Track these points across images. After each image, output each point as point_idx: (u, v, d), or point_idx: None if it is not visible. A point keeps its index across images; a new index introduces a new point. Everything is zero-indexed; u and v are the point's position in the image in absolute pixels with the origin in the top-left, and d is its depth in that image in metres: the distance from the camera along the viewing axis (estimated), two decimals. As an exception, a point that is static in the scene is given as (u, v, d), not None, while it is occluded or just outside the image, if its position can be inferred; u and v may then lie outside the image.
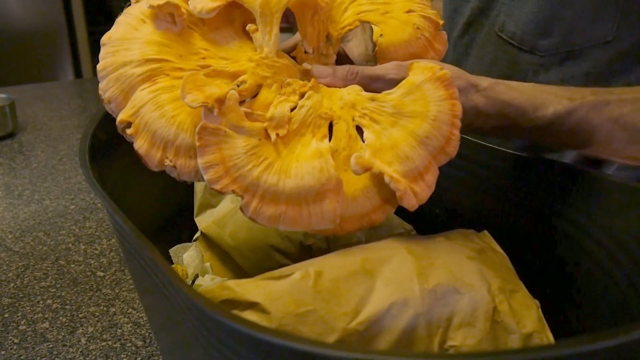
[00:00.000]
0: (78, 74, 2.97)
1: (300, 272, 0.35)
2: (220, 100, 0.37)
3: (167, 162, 0.39)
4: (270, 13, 0.42)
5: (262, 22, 0.42)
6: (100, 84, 0.42)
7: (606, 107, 0.47)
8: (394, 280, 0.36)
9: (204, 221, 0.61)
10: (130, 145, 0.42)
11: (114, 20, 0.45)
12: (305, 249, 0.50)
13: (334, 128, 0.41)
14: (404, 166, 0.39)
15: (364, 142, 0.40)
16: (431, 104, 0.40)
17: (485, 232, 0.46)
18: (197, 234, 0.63)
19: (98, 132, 0.51)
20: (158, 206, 0.63)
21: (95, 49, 3.04)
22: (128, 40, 0.41)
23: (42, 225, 0.90)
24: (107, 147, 0.54)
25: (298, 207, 0.37)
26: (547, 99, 0.46)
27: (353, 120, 0.41)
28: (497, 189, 0.53)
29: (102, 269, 0.78)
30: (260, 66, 0.41)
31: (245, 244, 0.54)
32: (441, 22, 0.48)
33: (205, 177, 0.36)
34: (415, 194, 0.39)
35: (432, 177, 0.40)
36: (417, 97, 0.40)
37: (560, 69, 0.65)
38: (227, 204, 0.61)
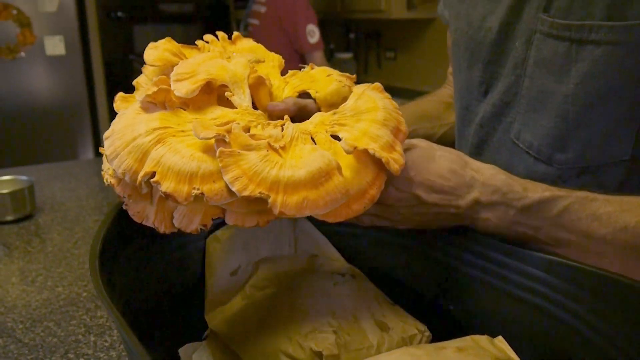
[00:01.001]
0: (98, 152, 3.04)
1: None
2: (228, 130, 0.45)
3: (195, 191, 0.44)
4: (239, 80, 0.55)
5: (236, 88, 0.54)
6: (111, 166, 0.48)
7: (592, 203, 0.51)
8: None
9: (214, 319, 0.60)
10: (141, 241, 0.51)
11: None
12: (317, 355, 0.49)
13: (316, 139, 0.50)
14: (379, 142, 0.49)
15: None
16: (377, 100, 0.53)
17: (501, 337, 0.45)
18: (207, 332, 0.62)
19: (109, 234, 0.51)
20: (167, 302, 0.63)
21: (115, 125, 3.13)
22: (131, 125, 0.48)
23: (54, 314, 0.89)
24: (118, 246, 0.54)
25: (315, 189, 0.44)
26: (538, 185, 0.52)
27: (326, 132, 0.51)
28: (517, 291, 0.52)
29: (111, 362, 0.76)
30: (244, 114, 0.51)
31: (255, 347, 0.53)
32: (354, 76, 0.60)
33: (234, 188, 0.43)
34: (395, 160, 0.49)
35: (400, 149, 0.50)
36: (365, 99, 0.53)
37: (578, 181, 0.65)
38: (238, 302, 0.60)
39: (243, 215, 0.49)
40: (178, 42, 0.58)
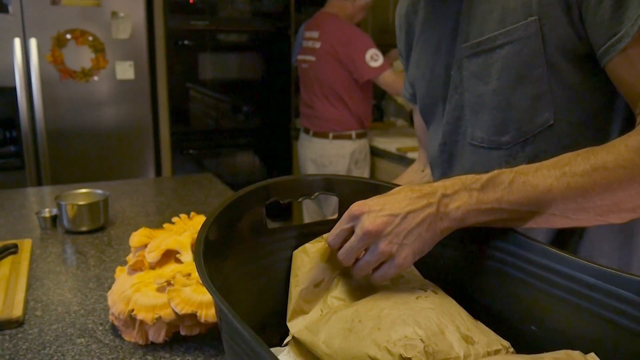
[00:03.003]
0: (158, 172, 3.15)
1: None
2: (173, 277, 0.83)
3: (156, 315, 0.83)
4: (184, 247, 0.90)
5: (183, 251, 0.90)
6: (113, 311, 0.87)
7: (531, 166, 0.63)
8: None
9: (296, 326, 0.62)
10: (235, 248, 0.58)
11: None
12: (405, 360, 0.50)
13: None
14: None
15: None
16: None
17: (593, 354, 0.45)
18: (288, 338, 0.64)
19: (211, 232, 0.55)
20: (252, 309, 0.65)
21: (175, 147, 3.24)
22: (122, 284, 0.88)
23: (131, 319, 0.93)
24: (217, 250, 0.57)
25: None
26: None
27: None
28: (593, 308, 0.52)
29: (187, 366, 0.79)
30: (187, 265, 0.87)
31: (342, 352, 0.55)
32: None
33: (176, 310, 0.79)
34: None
35: None
36: None
37: (524, 153, 0.80)
38: (319, 311, 0.62)
39: (189, 327, 0.82)
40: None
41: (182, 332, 0.83)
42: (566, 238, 0.82)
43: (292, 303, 0.64)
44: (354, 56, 2.65)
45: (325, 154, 2.84)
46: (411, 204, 0.60)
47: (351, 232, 0.61)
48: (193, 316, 0.80)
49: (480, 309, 0.63)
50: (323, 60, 2.76)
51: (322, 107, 2.81)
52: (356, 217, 0.60)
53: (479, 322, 0.59)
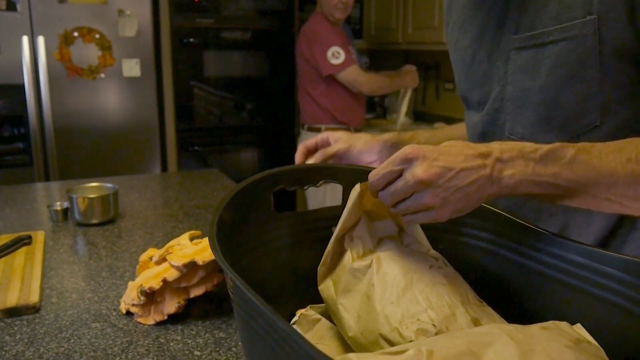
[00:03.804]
0: (164, 168, 3.19)
1: (414, 350, 0.39)
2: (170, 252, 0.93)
3: (161, 280, 0.91)
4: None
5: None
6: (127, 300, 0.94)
7: (595, 146, 0.61)
8: (498, 362, 0.39)
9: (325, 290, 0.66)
10: (245, 233, 0.57)
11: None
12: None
13: None
14: None
15: None
16: None
17: (579, 325, 0.49)
18: (296, 318, 0.68)
19: (224, 215, 0.58)
20: (259, 293, 0.69)
21: (180, 144, 3.28)
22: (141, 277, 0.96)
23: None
24: (231, 229, 0.61)
25: None
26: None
27: None
28: (581, 285, 0.55)
29: (198, 348, 0.83)
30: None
31: (359, 320, 0.58)
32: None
33: (174, 263, 0.90)
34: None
35: None
36: None
37: None
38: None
39: (196, 287, 0.91)
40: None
41: (192, 294, 0.91)
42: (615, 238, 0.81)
43: (325, 255, 0.66)
44: (316, 52, 2.75)
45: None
46: (466, 160, 0.58)
47: (398, 174, 0.59)
48: (193, 267, 0.90)
49: (485, 291, 0.66)
50: (298, 56, 2.90)
51: (301, 101, 3.00)
52: (409, 161, 0.57)
53: (483, 303, 0.61)
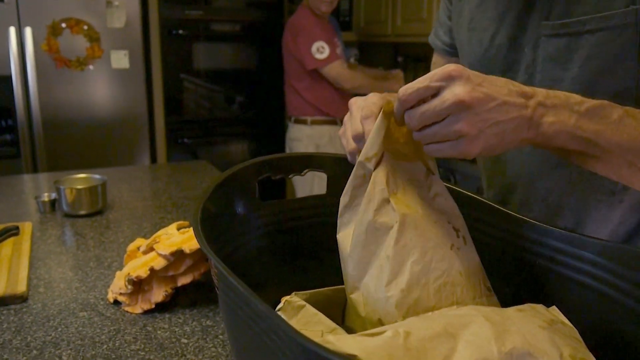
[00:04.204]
0: (153, 160, 3.18)
1: (392, 331, 0.40)
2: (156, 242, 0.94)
3: (148, 269, 0.91)
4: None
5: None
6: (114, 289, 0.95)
7: None
8: (474, 342, 0.41)
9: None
10: (230, 222, 0.54)
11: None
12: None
13: None
14: None
15: None
16: None
17: (554, 307, 0.50)
18: (280, 305, 0.69)
19: (208, 203, 0.59)
20: (245, 276, 0.70)
21: (169, 136, 3.28)
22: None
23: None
24: (215, 217, 0.61)
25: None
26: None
27: None
28: (557, 268, 0.57)
29: (185, 336, 0.84)
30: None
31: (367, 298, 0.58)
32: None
33: (161, 252, 0.92)
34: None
35: None
36: None
37: None
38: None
39: (184, 276, 0.92)
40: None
41: (179, 283, 0.92)
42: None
43: (346, 188, 0.62)
44: (301, 46, 2.75)
45: (289, 136, 3.01)
46: (510, 94, 0.53)
47: (435, 92, 0.52)
48: (181, 256, 0.91)
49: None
50: (284, 48, 2.90)
51: (287, 93, 3.00)
52: (451, 79, 0.51)
53: (492, 292, 0.60)
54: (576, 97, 0.57)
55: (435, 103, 0.52)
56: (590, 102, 0.56)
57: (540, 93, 0.55)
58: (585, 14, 0.71)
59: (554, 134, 0.55)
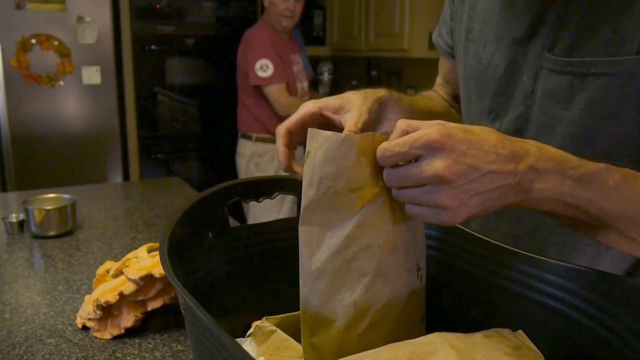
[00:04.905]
0: (126, 176, 3.15)
1: (357, 362, 0.40)
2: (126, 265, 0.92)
3: (117, 293, 0.90)
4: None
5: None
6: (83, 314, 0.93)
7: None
8: (439, 371, 0.41)
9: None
10: (199, 247, 0.54)
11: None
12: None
13: None
14: None
15: None
16: None
17: (521, 331, 0.51)
18: (251, 330, 0.68)
19: (176, 230, 0.59)
20: (216, 302, 0.69)
21: (143, 152, 3.24)
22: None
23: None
24: (184, 243, 0.61)
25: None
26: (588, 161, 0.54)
27: None
28: (522, 291, 0.58)
29: (155, 361, 0.82)
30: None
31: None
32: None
33: (130, 276, 0.89)
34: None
35: None
36: None
37: None
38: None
39: (154, 300, 0.90)
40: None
41: (149, 308, 0.91)
42: None
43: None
44: (249, 61, 2.69)
45: (237, 151, 2.92)
46: (497, 161, 0.49)
47: (415, 158, 0.50)
48: (151, 280, 0.90)
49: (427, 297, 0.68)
50: (237, 61, 2.83)
51: (238, 106, 2.90)
52: (432, 150, 0.48)
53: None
54: (572, 161, 0.53)
55: (413, 171, 0.49)
56: (586, 167, 0.52)
57: (533, 154, 0.51)
58: (592, 54, 0.67)
59: (543, 200, 0.52)
